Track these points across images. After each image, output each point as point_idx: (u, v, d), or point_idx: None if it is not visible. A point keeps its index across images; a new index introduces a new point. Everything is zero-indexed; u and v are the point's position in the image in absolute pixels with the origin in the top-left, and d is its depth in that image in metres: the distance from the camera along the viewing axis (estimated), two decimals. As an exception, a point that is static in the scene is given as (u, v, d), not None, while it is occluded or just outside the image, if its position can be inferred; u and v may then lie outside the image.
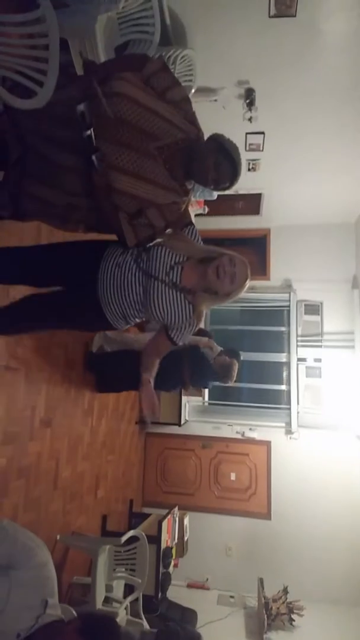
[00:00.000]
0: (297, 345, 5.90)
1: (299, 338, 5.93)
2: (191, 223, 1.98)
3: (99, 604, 3.22)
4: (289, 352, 5.95)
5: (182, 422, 5.61)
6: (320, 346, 5.86)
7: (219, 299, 1.81)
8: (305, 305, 5.97)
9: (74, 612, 2.14)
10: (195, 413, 5.94)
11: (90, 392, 3.99)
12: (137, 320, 1.94)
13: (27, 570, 1.32)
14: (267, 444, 5.74)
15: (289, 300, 5.98)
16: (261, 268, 6.16)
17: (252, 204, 5.63)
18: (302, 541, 5.35)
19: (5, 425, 2.70)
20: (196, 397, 5.80)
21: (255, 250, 6.27)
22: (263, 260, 6.18)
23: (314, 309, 5.99)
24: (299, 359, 5.89)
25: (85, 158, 1.68)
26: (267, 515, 5.58)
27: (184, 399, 5.52)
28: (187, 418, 5.74)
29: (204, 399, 5.93)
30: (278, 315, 6.11)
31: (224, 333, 6.07)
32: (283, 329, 6.08)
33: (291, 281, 6.05)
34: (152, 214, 1.78)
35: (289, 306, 6.00)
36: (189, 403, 5.80)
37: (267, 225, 6.15)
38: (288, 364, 5.95)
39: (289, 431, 5.70)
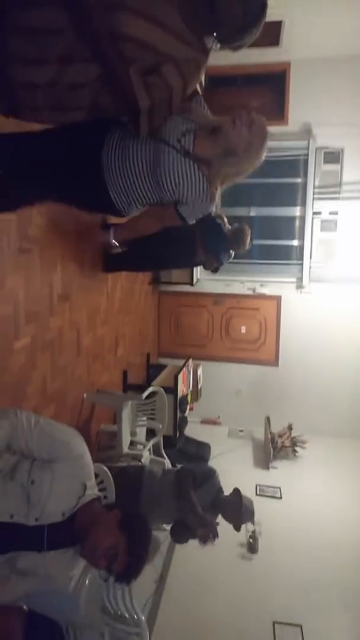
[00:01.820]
0: (314, 198, 5.66)
1: (316, 190, 5.66)
2: (197, 92, 1.73)
3: (125, 449, 3.69)
4: (304, 205, 5.74)
5: (195, 281, 5.70)
6: (338, 198, 5.63)
7: (238, 158, 1.64)
8: (325, 152, 5.59)
9: (106, 469, 2.48)
10: (207, 272, 5.97)
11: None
12: (145, 202, 1.74)
13: (67, 462, 1.51)
14: (278, 299, 5.90)
15: (307, 149, 5.58)
16: (279, 111, 5.60)
17: (270, 33, 4.85)
18: (307, 384, 5.83)
19: (26, 305, 2.77)
20: (208, 256, 5.80)
21: (272, 89, 5.64)
22: (281, 102, 5.59)
23: (333, 156, 5.61)
24: (314, 213, 5.71)
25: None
26: (275, 363, 6.01)
27: (196, 259, 5.51)
28: (199, 277, 5.81)
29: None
30: (294, 165, 5.74)
31: (233, 187, 5.75)
32: (299, 180, 5.76)
33: (311, 125, 5.55)
34: (168, 70, 1.44)
35: (307, 154, 5.62)
36: (201, 263, 5.81)
37: (286, 59, 5.42)
38: (302, 217, 5.78)
39: (299, 286, 5.80)
